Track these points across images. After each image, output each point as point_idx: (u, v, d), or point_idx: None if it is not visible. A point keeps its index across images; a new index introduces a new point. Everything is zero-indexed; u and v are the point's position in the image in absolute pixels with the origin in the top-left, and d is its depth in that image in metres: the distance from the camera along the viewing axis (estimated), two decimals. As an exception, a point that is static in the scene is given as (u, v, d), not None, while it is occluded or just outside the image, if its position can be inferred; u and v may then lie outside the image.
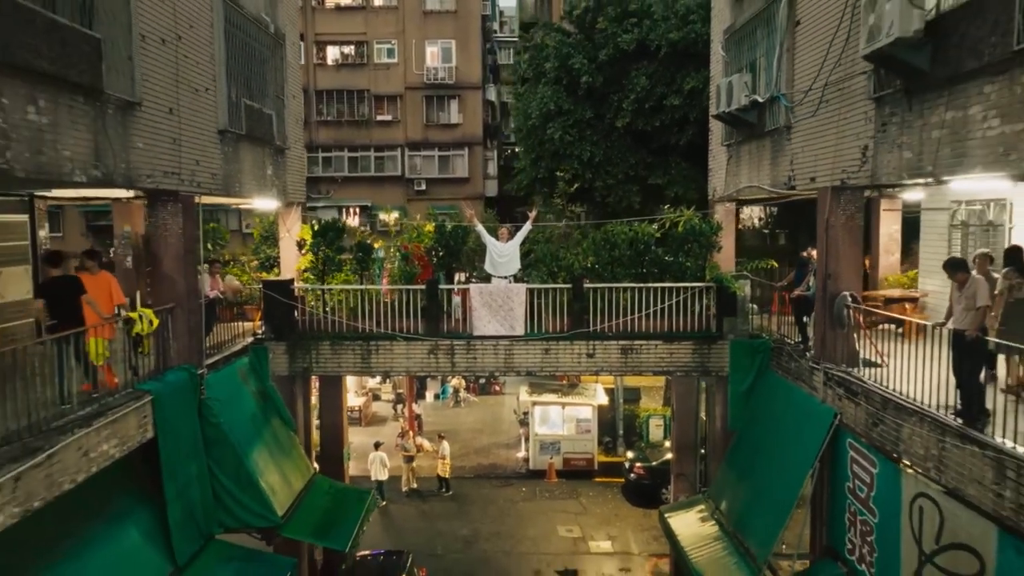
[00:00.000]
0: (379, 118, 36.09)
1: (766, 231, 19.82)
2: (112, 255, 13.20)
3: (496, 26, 51.15)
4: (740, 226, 18.10)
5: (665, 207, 13.92)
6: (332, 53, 36.48)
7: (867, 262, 14.18)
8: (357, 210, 36.41)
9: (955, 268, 7.78)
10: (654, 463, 19.21)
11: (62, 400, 7.45)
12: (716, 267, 13.11)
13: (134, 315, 8.65)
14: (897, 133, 7.92)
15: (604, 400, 22.00)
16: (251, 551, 10.44)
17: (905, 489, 7.97)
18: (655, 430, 21.17)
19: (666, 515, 12.48)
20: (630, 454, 20.75)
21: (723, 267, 13.66)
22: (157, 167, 8.91)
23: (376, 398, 28.31)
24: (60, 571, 7.33)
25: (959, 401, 7.28)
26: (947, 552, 7.23)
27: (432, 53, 36.21)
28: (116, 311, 8.88)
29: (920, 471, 7.63)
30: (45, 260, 9.22)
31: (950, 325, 7.64)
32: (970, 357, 7.15)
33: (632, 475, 19.46)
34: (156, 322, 8.97)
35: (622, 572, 16.02)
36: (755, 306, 13.07)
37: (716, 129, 14.31)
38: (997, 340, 7.22)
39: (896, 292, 12.81)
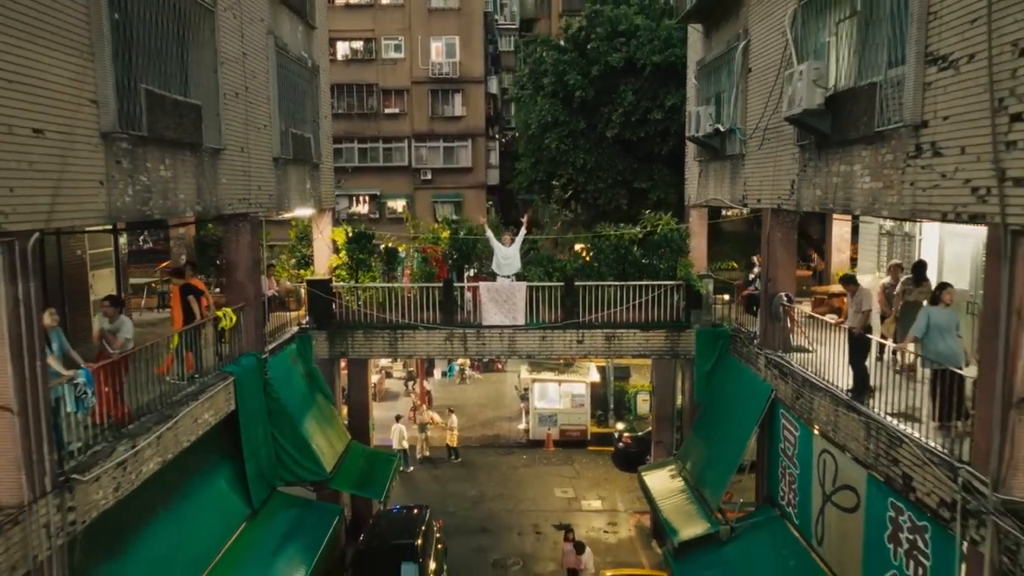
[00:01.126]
0: (387, 111, 38.09)
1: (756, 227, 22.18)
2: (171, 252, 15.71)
3: (497, 16, 52.96)
4: (730, 221, 20.34)
5: (647, 212, 16.29)
6: (342, 49, 38.41)
7: (815, 258, 16.68)
8: (367, 198, 38.61)
9: (847, 282, 10.28)
10: (640, 433, 21.80)
11: (181, 379, 9.96)
12: (689, 265, 15.58)
13: (220, 313, 11.13)
14: (812, 174, 10.33)
15: (596, 378, 24.58)
16: (306, 500, 13.08)
17: (815, 447, 10.53)
18: (642, 404, 23.75)
19: (643, 474, 15.09)
20: (620, 425, 23.36)
21: (697, 264, 16.14)
22: (235, 196, 11.32)
23: (388, 376, 30.89)
24: (177, 508, 9.87)
25: (852, 381, 9.78)
26: (838, 492, 9.80)
27: (437, 49, 38.12)
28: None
29: (824, 433, 10.16)
30: (173, 272, 11.69)
31: (845, 324, 10.12)
32: (858, 348, 9.63)
33: (620, 444, 22.04)
34: (235, 319, 11.45)
35: (609, 526, 18.65)
36: (726, 296, 15.55)
37: (690, 146, 16.67)
38: (879, 339, 9.70)
39: (838, 288, 15.27)
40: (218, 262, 15.88)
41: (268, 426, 12.29)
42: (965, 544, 6.96)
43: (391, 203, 38.28)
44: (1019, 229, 6.25)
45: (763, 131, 11.86)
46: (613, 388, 25.16)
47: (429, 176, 38.12)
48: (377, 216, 37.72)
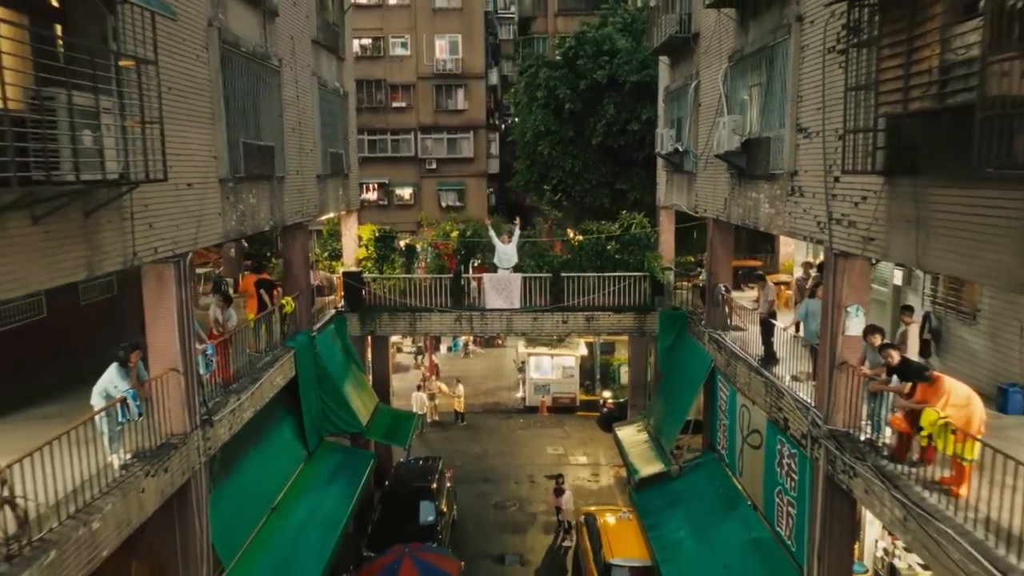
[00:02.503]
0: (394, 105, 41.00)
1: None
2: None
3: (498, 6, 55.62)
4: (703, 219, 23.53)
5: (623, 212, 19.61)
6: (352, 47, 41.24)
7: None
8: (376, 186, 41.65)
9: (756, 279, 13.66)
10: (622, 400, 25.29)
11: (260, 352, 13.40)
12: (658, 258, 18.93)
13: (284, 300, 14.53)
14: (736, 196, 13.65)
15: (585, 352, 28.07)
16: (346, 447, 16.58)
17: (738, 402, 14.00)
18: (624, 375, 27.20)
19: (616, 429, 18.62)
20: (606, 393, 26.87)
21: (665, 257, 19.48)
22: (294, 210, 14.64)
23: (399, 350, 34.36)
24: (259, 448, 13.33)
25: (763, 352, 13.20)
26: (751, 435, 13.27)
27: (440, 46, 40.96)
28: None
29: (742, 391, 13.61)
30: (253, 269, 15.03)
31: (758, 311, 13.53)
32: (766, 328, 13.03)
33: (605, 409, 25.58)
34: (294, 305, 14.85)
35: (592, 476, 22.21)
36: (687, 283, 18.89)
37: (660, 158, 19.93)
38: (781, 324, 13.11)
39: (781, 276, 18.69)
40: (268, 253, 19.34)
41: (317, 389, 15.73)
42: (812, 460, 10.43)
43: (399, 191, 41.35)
44: (839, 252, 9.61)
45: (706, 158, 15.16)
46: (600, 361, 28.64)
47: (434, 166, 41.14)
48: (386, 203, 40.90)
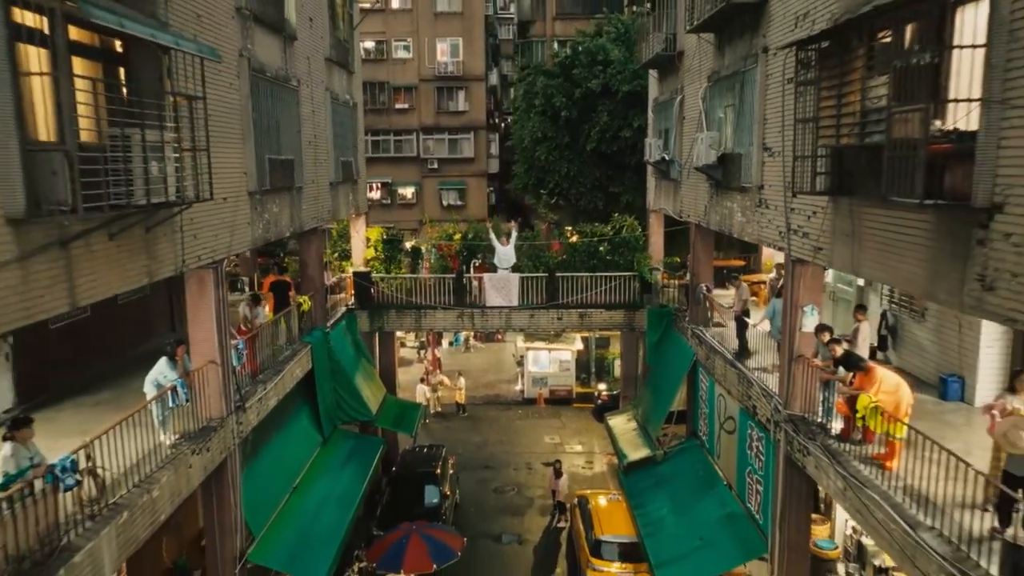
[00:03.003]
0: (397, 106, 42.28)
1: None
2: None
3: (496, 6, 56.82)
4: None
5: (616, 214, 20.99)
6: (359, 57, 42.54)
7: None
8: (379, 185, 42.96)
9: (732, 279, 15.04)
10: (615, 392, 26.68)
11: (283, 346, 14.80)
12: (647, 258, 20.29)
13: (301, 299, 15.91)
14: (714, 204, 15.01)
15: (581, 346, 29.45)
16: (357, 434, 17.98)
17: (716, 392, 15.39)
18: (618, 368, 28.56)
19: (607, 418, 20.02)
20: (601, 386, 28.24)
21: (655, 257, 20.82)
22: (311, 216, 16.00)
23: (403, 345, 35.73)
24: (281, 433, 14.72)
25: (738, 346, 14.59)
26: (726, 421, 14.68)
27: (442, 49, 42.22)
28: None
29: (719, 382, 15.00)
30: (273, 271, 16.36)
31: (733, 309, 14.92)
32: (740, 325, 14.42)
33: (599, 400, 26.95)
34: (310, 303, 16.23)
35: (587, 463, 23.61)
36: (674, 282, 20.24)
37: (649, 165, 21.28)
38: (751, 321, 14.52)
39: (759, 276, 20.07)
40: (281, 253, 20.73)
41: (331, 381, 17.12)
42: (775, 442, 11.82)
43: (401, 190, 42.69)
44: (796, 259, 10.99)
45: (688, 168, 16.51)
46: (595, 355, 30.01)
47: (436, 165, 42.46)
48: (389, 202, 42.28)
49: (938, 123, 7.22)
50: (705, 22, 13.61)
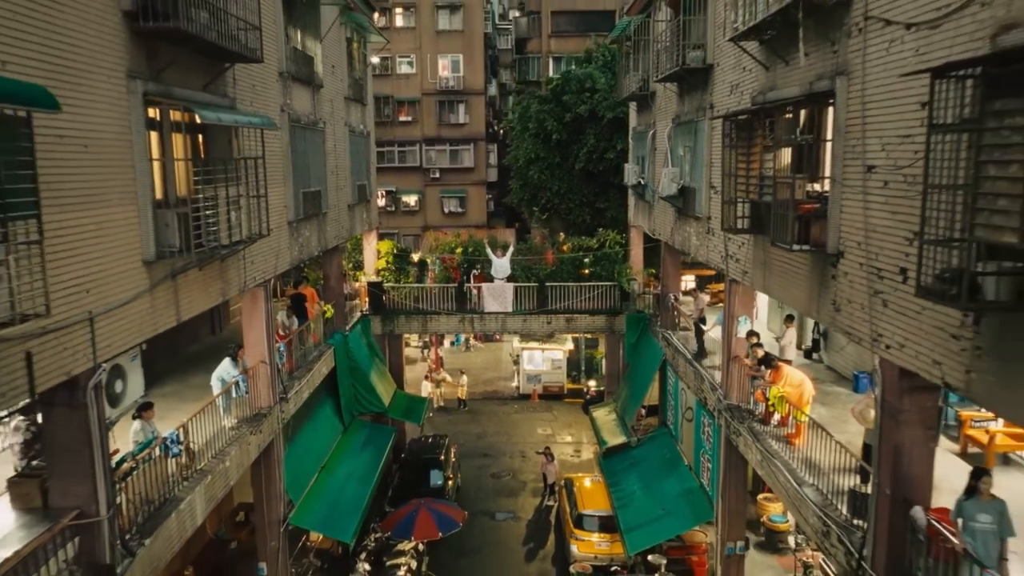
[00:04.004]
0: (401, 119, 44.90)
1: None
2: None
3: (496, 17, 59.43)
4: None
5: (600, 229, 23.74)
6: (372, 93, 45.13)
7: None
8: (383, 193, 45.59)
9: (693, 289, 17.79)
10: (602, 388, 29.44)
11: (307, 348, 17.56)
12: (628, 269, 23.03)
13: (325, 307, 18.66)
14: (678, 227, 17.75)
15: (571, 347, 32.22)
16: (372, 424, 20.75)
17: (679, 387, 18.16)
18: (605, 366, 31.33)
19: (592, 410, 22.80)
20: (591, 383, 30.99)
21: (635, 268, 23.56)
22: (334, 236, 18.75)
23: (407, 345, 38.46)
24: (310, 422, 17.48)
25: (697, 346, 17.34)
26: (686, 411, 17.45)
27: (443, 65, 44.88)
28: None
29: (681, 378, 17.76)
30: (295, 283, 19.04)
31: (693, 316, 17.68)
32: (698, 330, 17.17)
33: (588, 396, 29.70)
34: (332, 311, 18.98)
35: (575, 452, 26.39)
36: (650, 290, 22.97)
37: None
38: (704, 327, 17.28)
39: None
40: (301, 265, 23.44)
41: (350, 377, 19.87)
42: (719, 427, 14.59)
43: (405, 198, 45.34)
44: (732, 279, 13.74)
45: (658, 194, 19.24)
46: (584, 354, 32.79)
47: (437, 175, 45.13)
48: (393, 209, 44.97)
49: (812, 186, 9.99)
50: (667, 76, 16.35)
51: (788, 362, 14.15)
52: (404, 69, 44.89)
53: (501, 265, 22.25)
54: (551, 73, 48.16)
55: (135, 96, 8.94)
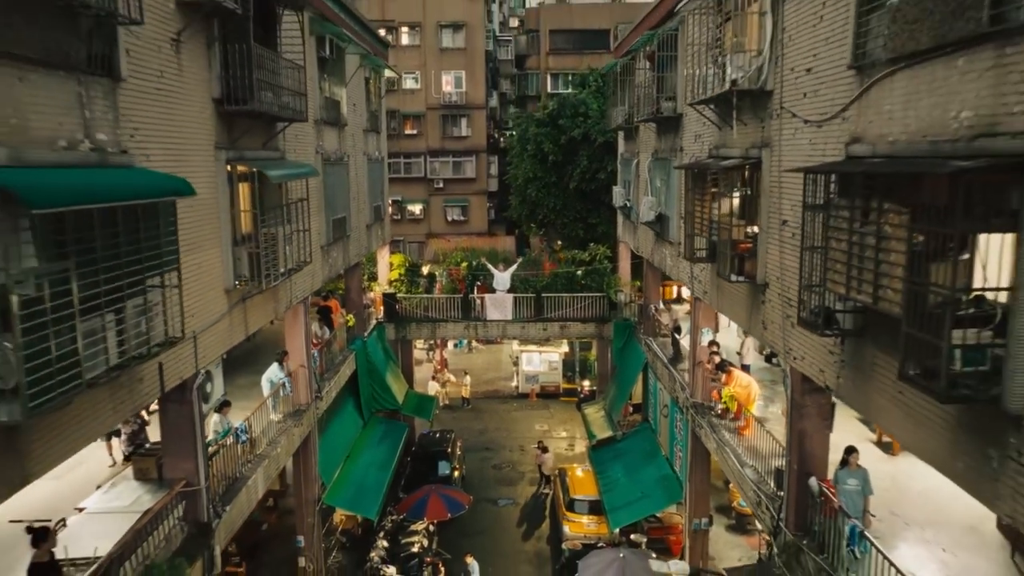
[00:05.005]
0: (407, 132, 47.52)
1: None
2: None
3: (497, 27, 62.06)
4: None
5: (592, 243, 26.48)
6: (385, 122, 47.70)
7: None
8: (390, 202, 48.19)
9: (668, 304, 20.51)
10: (594, 387, 32.17)
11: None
12: (617, 281, 25.75)
13: (348, 317, 21.39)
14: (656, 248, 20.46)
15: (567, 349, 34.95)
16: (388, 420, 23.50)
17: (658, 387, 20.90)
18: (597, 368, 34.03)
19: (583, 407, 25.54)
20: (585, 383, 33.72)
21: (623, 280, 26.27)
22: (354, 254, 21.46)
23: (414, 347, 41.17)
24: (336, 418, 20.20)
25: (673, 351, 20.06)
26: (663, 408, 20.19)
27: (447, 81, 47.48)
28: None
29: (659, 379, 20.49)
30: (323, 296, 21.77)
31: (669, 325, 20.42)
32: (674, 338, 19.89)
33: (582, 395, 32.43)
34: (353, 320, 21.71)
35: (569, 446, 29.10)
36: (635, 301, 25.68)
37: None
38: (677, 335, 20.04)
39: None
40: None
41: (368, 378, 22.59)
42: (688, 422, 17.31)
43: (410, 207, 47.97)
44: (697, 296, 16.45)
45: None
46: (579, 356, 35.52)
47: (441, 185, 47.81)
48: (399, 218, 47.60)
49: (750, 228, 12.71)
50: (645, 119, 19.06)
51: (746, 367, 16.95)
52: (409, 85, 47.43)
53: (502, 278, 24.98)
54: (549, 88, 50.97)
55: (220, 162, 11.67)
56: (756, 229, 12.49)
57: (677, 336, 19.75)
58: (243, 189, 13.20)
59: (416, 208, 48.06)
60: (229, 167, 12.18)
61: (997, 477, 6.36)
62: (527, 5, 56.54)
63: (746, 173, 12.55)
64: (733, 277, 12.34)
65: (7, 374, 6.34)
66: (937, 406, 7.00)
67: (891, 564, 8.66)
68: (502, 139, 55.89)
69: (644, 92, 19.23)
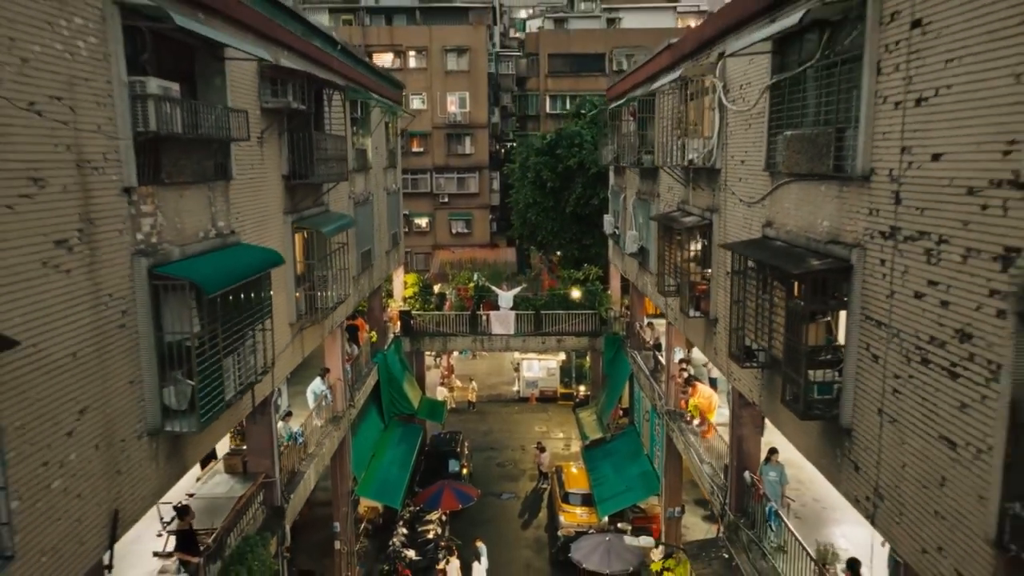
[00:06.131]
0: (413, 150, 50.84)
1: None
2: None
3: (498, 38, 65.24)
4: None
5: (585, 264, 29.81)
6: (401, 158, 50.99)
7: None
8: (398, 216, 51.47)
9: (648, 323, 23.88)
10: (589, 393, 35.52)
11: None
12: (608, 299, 29.08)
13: (371, 334, 24.73)
14: (640, 274, 23.79)
15: (564, 356, 38.30)
16: (405, 423, 26.88)
17: (641, 395, 24.25)
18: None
19: (577, 411, 28.91)
20: (580, 388, 37.08)
21: (614, 297, 29.61)
22: (377, 278, 24.77)
23: (421, 353, 44.51)
24: (364, 421, 23.55)
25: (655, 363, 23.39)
26: (645, 414, 23.55)
27: (451, 101, 50.80)
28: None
29: (643, 388, 23.84)
30: (350, 316, 25.10)
31: (651, 341, 23.77)
32: (655, 353, 23.22)
33: (578, 399, 35.79)
34: (376, 336, 25.05)
35: (566, 446, 32.46)
36: (623, 317, 29.02)
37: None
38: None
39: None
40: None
41: (388, 387, 25.93)
42: (664, 426, 20.66)
43: (417, 220, 51.26)
44: (670, 322, 19.78)
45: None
46: (575, 364, 38.87)
47: (446, 199, 51.15)
48: (407, 230, 50.83)
49: (706, 272, 16.03)
50: (628, 164, 22.37)
51: (713, 380, 20.27)
52: (416, 105, 50.70)
53: (505, 297, 28.32)
54: (548, 108, 54.34)
55: (287, 225, 14.99)
56: (710, 274, 15.82)
57: (657, 352, 23.07)
58: (299, 240, 16.54)
59: (423, 221, 51.33)
60: (293, 226, 15.51)
61: (840, 468, 9.70)
62: (527, 29, 59.71)
63: (702, 230, 15.88)
64: (692, 312, 15.67)
65: (181, 401, 9.67)
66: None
67: (793, 534, 12.02)
68: (503, 150, 59.22)
69: (628, 142, 22.54)
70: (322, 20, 54.14)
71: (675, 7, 55.83)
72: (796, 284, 9.87)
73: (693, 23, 55.59)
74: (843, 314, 9.66)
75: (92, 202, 8.15)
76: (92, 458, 8.18)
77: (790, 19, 9.69)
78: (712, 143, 14.76)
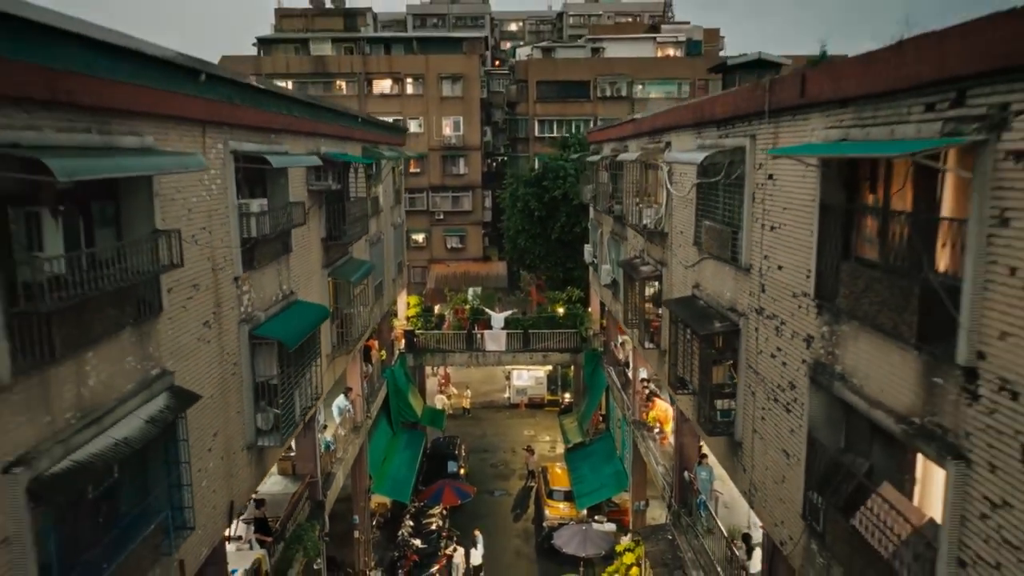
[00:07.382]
0: (411, 171, 54.77)
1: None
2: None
3: (490, 62, 69.28)
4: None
5: (568, 286, 33.89)
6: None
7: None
8: (396, 232, 55.34)
9: (623, 343, 28.03)
10: (572, 400, 39.62)
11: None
12: (588, 318, 33.20)
13: (381, 352, 28.76)
14: (614, 301, 27.88)
15: (550, 367, 42.41)
16: (410, 430, 30.94)
17: (615, 407, 28.40)
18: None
19: (561, 417, 33.04)
20: (566, 396, 41.20)
21: (594, 317, 33.71)
22: (386, 304, 28.77)
23: (420, 362, 48.52)
24: (376, 429, 27.61)
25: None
26: (618, 422, 27.70)
27: (447, 125, 54.66)
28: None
29: (616, 400, 27.98)
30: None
31: (622, 359, 27.90)
32: (625, 371, 27.36)
33: (563, 406, 39.91)
34: (385, 353, 29.09)
35: (551, 448, 36.54)
36: (602, 336, 33.13)
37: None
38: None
39: (656, 330, 33.08)
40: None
41: (395, 398, 29.96)
42: (632, 433, 24.80)
43: (414, 236, 55.06)
44: (635, 346, 23.90)
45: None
46: (561, 373, 43.02)
47: (441, 216, 55.07)
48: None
49: (658, 312, 20.14)
50: (602, 210, 26.45)
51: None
52: (414, 129, 54.57)
53: (497, 318, 32.37)
54: (536, 132, 58.37)
55: (325, 278, 18.99)
56: (662, 313, 19.91)
57: (626, 369, 27.18)
58: (330, 285, 20.56)
59: (419, 237, 55.23)
60: (329, 279, 19.53)
61: (735, 469, 13.83)
62: (517, 57, 63.72)
63: (656, 278, 19.99)
64: (647, 344, 19.78)
65: (268, 423, 13.69)
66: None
67: (714, 519, 16.16)
68: (495, 164, 63.21)
69: (603, 190, 26.64)
70: (325, 49, 58.23)
71: (655, 37, 59.91)
72: (701, 339, 13.99)
73: (672, 52, 59.75)
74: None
75: (219, 292, 12.17)
76: (220, 465, 12.21)
77: (699, 154, 13.81)
78: (662, 213, 18.87)
